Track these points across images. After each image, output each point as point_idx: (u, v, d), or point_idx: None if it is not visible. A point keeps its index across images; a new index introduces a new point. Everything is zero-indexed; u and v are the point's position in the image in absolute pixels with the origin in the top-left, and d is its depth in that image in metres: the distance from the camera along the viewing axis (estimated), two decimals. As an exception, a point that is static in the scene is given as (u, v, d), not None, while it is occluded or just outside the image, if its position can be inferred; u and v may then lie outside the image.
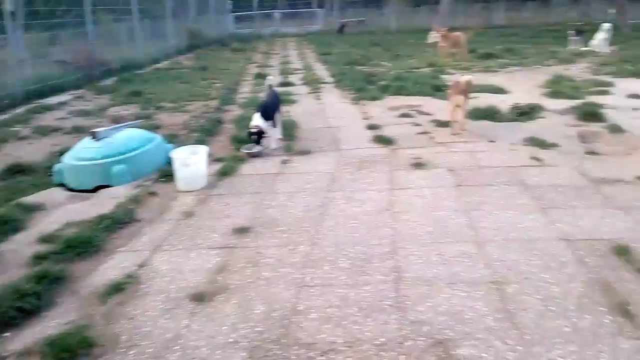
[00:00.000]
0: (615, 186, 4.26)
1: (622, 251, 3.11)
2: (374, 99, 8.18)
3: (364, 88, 8.98)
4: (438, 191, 4.26)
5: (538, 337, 2.37)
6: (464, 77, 6.24)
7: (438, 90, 8.55)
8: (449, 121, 6.22)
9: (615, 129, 5.94)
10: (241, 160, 5.41)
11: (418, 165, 4.94)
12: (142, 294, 2.96)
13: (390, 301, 2.72)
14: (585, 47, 14.03)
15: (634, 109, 7.03)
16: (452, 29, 15.03)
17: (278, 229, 3.72)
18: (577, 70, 10.70)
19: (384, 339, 2.43)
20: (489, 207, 3.90)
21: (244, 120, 6.50)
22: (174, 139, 6.06)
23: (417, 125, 6.49)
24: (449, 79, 9.82)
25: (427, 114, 7.07)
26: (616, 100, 7.58)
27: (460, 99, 5.90)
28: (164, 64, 14.83)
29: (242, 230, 3.72)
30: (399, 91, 8.53)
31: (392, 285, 2.88)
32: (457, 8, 25.93)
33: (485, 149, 5.40)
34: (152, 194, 4.57)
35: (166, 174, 4.90)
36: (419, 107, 7.41)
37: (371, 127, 6.46)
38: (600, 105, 7.02)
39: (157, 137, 5.35)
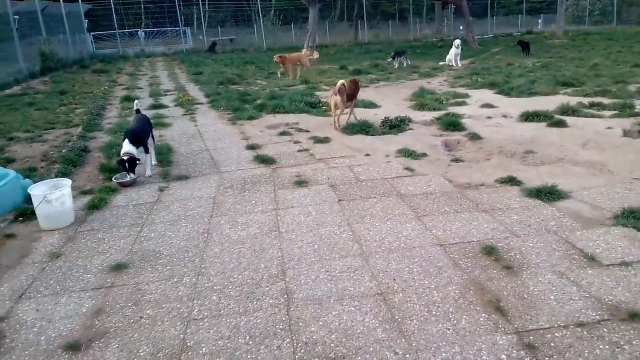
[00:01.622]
0: (479, 190, 4.68)
1: (490, 251, 3.40)
2: (251, 118, 8.15)
3: (240, 108, 8.91)
4: (321, 207, 4.33)
5: (424, 343, 2.48)
6: (339, 82, 7.10)
7: (313, 107, 8.78)
8: (326, 137, 6.40)
9: (474, 137, 6.56)
10: (113, 190, 5.03)
11: (300, 183, 4.99)
12: (7, 349, 2.59)
13: (282, 325, 2.68)
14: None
15: (487, 117, 7.83)
16: (324, 46, 15.65)
17: (159, 262, 3.49)
18: (437, 84, 11.69)
19: (278, 367, 2.37)
20: (371, 220, 4.04)
21: (114, 148, 6.08)
22: (32, 173, 5.46)
23: (297, 142, 6.58)
24: (323, 95, 10.16)
25: (305, 130, 7.20)
26: (472, 110, 8.39)
27: (337, 99, 6.98)
28: (14, 90, 13.37)
29: (119, 267, 3.44)
30: (276, 109, 8.61)
31: (284, 308, 2.83)
32: (325, 26, 27.07)
33: (363, 163, 5.62)
34: (9, 236, 4.05)
35: (25, 213, 4.38)
36: (296, 125, 7.53)
37: (251, 147, 6.41)
38: (460, 116, 7.73)
39: (10, 173, 4.76)
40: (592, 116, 7.51)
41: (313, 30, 19.77)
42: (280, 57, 13.59)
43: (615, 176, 4.94)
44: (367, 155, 5.93)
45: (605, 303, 2.76)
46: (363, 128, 7.01)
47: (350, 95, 7.24)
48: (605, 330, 2.53)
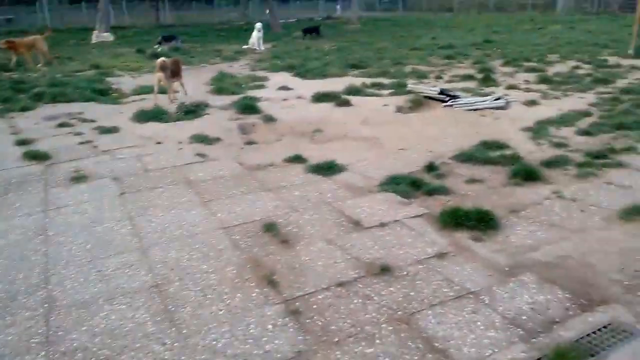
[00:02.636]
0: (268, 170, 4.85)
1: (270, 228, 3.55)
2: (24, 109, 7.19)
3: (11, 98, 7.79)
4: (100, 203, 4.03)
5: (195, 329, 2.49)
6: (160, 59, 7.61)
7: (102, 94, 8.12)
8: (115, 127, 5.97)
9: (268, 119, 6.76)
10: None
11: (78, 179, 4.57)
12: None
13: (39, 338, 2.43)
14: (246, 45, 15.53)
15: (283, 99, 8.14)
16: (120, 27, 14.50)
17: None
18: (239, 67, 11.77)
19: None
20: (155, 211, 3.90)
21: None
22: None
23: (79, 134, 6.01)
24: (116, 81, 9.46)
25: (91, 120, 6.62)
26: (270, 92, 8.64)
27: (160, 75, 7.39)
28: None
29: None
30: (57, 98, 7.73)
31: (42, 319, 2.57)
32: (122, 6, 25.15)
33: (153, 152, 5.39)
34: None
35: None
36: (80, 115, 6.88)
37: (21, 142, 5.66)
38: (257, 99, 7.89)
39: None
40: (373, 95, 8.33)
41: (105, 10, 18.18)
42: (8, 42, 11.18)
43: (386, 148, 5.57)
44: (159, 143, 5.70)
45: (363, 262, 3.10)
46: (157, 115, 6.71)
47: (174, 72, 7.71)
48: (360, 285, 2.84)
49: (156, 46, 14.47)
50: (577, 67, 10.54)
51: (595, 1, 31.73)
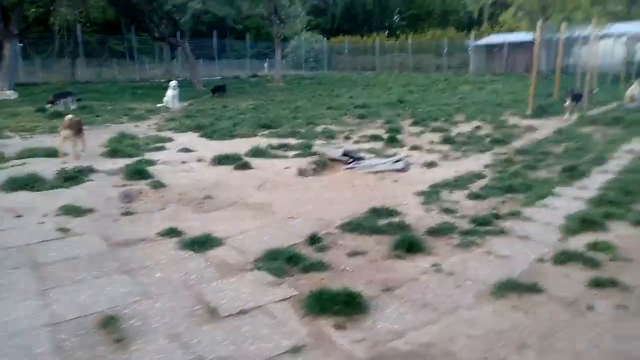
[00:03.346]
0: (135, 247, 4.38)
1: (107, 323, 3.07)
2: None
3: None
4: None
5: None
6: (67, 116, 7.87)
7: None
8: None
9: (158, 185, 6.31)
10: None
11: None
12: None
13: None
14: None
15: (182, 162, 7.75)
16: (31, 84, 13.66)
17: None
18: (146, 127, 11.30)
19: None
20: (-21, 304, 3.32)
21: None
22: None
23: None
24: (1, 144, 8.74)
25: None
26: (169, 155, 8.22)
27: (67, 132, 7.55)
28: None
29: None
30: None
31: None
32: (37, 62, 24.15)
33: (7, 227, 4.77)
34: None
35: None
36: (-63, 184, 6.12)
37: None
38: (152, 162, 7.44)
39: None
40: (278, 157, 8.13)
41: (10, 66, 17.23)
42: None
43: (275, 216, 5.28)
44: (19, 216, 5.08)
45: (204, 363, 2.70)
46: (29, 182, 6.09)
47: (78, 130, 7.80)
48: (190, 398, 2.43)
49: (48, 105, 13.41)
50: (479, 128, 10.98)
51: (503, 62, 34.36)
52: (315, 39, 42.11)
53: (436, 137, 9.88)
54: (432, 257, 4.14)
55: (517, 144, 9.20)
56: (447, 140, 9.43)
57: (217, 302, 3.36)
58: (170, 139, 9.56)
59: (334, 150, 8.34)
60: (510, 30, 31.36)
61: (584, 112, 12.10)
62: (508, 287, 3.53)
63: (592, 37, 16.43)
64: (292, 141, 9.35)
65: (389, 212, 5.26)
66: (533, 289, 3.53)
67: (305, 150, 8.47)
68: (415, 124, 11.56)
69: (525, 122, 11.63)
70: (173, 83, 15.00)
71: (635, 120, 10.98)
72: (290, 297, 3.45)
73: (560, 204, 5.53)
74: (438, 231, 4.71)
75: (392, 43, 42.74)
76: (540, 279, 3.67)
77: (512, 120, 12.02)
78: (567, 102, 12.17)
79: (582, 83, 14.90)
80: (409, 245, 4.29)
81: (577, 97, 12.18)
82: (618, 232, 4.65)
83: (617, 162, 7.54)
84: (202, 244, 4.37)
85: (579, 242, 4.40)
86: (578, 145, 8.85)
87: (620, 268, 3.89)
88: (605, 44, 23.04)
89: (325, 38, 43.43)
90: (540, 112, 12.68)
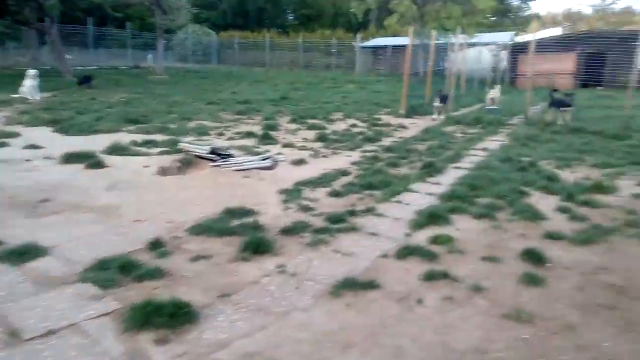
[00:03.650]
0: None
1: None
2: None
3: None
4: None
5: None
6: None
7: None
8: None
9: (-12, 187, 5.55)
10: None
11: None
12: None
13: None
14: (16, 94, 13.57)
15: (26, 160, 6.94)
16: None
17: None
18: (-7, 120, 10.04)
19: None
20: None
21: None
22: None
23: None
24: None
25: None
26: (12, 152, 7.34)
27: None
28: None
29: None
30: None
31: None
32: None
33: None
34: None
35: None
36: None
37: None
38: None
39: None
40: (140, 154, 7.60)
41: None
42: None
43: (120, 220, 4.86)
44: None
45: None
46: None
47: None
48: None
49: None
50: (354, 126, 11.24)
51: (387, 64, 35.93)
52: (204, 32, 40.79)
53: (312, 134, 9.91)
54: (279, 258, 4.04)
55: (387, 142, 9.52)
56: (320, 138, 9.49)
57: (22, 323, 2.94)
58: (17, 134, 8.56)
59: (201, 147, 7.99)
60: (395, 34, 32.80)
61: (449, 113, 12.92)
62: (346, 286, 3.52)
63: (458, 45, 17.66)
64: (160, 137, 8.83)
65: (245, 212, 5.08)
66: (370, 285, 3.56)
67: (172, 147, 8.02)
68: (293, 121, 11.53)
69: (398, 121, 12.14)
70: (32, 72, 13.54)
71: (492, 121, 11.93)
72: (112, 311, 3.13)
73: (413, 199, 5.75)
74: (291, 230, 4.63)
75: (283, 40, 42.76)
76: (379, 276, 3.72)
77: (386, 118, 12.48)
78: (436, 103, 12.90)
79: (457, 85, 15.93)
80: (257, 247, 4.15)
81: (444, 99, 12.96)
82: (460, 225, 4.91)
83: (471, 159, 8.07)
84: (22, 254, 3.85)
85: (423, 236, 4.57)
86: (440, 143, 9.37)
87: (455, 260, 4.09)
88: (476, 51, 24.95)
89: (215, 32, 42.26)
90: (412, 111, 13.32)
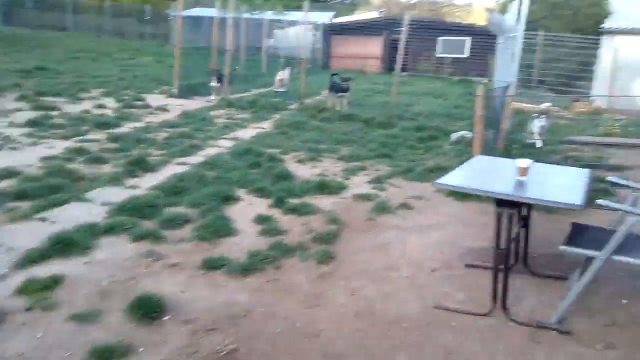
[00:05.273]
0: None
1: None
2: None
3: None
4: None
5: None
6: None
7: None
8: None
9: None
10: None
11: None
12: None
13: None
14: None
15: None
16: None
17: None
18: None
19: None
20: None
21: None
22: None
23: None
24: None
25: None
26: None
27: None
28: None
29: None
30: None
31: None
32: None
33: None
34: None
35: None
36: None
37: None
38: None
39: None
40: None
41: None
42: None
43: None
44: None
45: None
46: None
47: None
48: None
49: None
50: (101, 106, 9.42)
51: (205, 36, 33.83)
52: (-15, -16, 33.98)
53: (32, 115, 7.91)
54: None
55: (125, 128, 7.96)
56: (35, 123, 7.55)
57: None
58: None
59: None
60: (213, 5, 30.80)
61: (226, 95, 11.72)
62: None
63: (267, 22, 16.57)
64: None
65: None
66: None
67: None
68: (21, 98, 9.27)
69: (164, 102, 10.61)
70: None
71: (266, 105, 11.05)
72: None
73: (71, 213, 4.36)
74: None
75: (90, 1, 37.77)
76: None
77: (153, 98, 10.86)
78: (213, 83, 11.65)
79: (237, 62, 14.65)
80: None
81: (221, 78, 11.75)
82: (98, 255, 3.68)
83: (208, 151, 6.95)
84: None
85: (21, 278, 3.22)
86: (189, 131, 8.09)
87: (36, 320, 2.81)
88: (298, 29, 24.23)
89: (1, -16, 35.54)
90: (188, 91, 11.87)
